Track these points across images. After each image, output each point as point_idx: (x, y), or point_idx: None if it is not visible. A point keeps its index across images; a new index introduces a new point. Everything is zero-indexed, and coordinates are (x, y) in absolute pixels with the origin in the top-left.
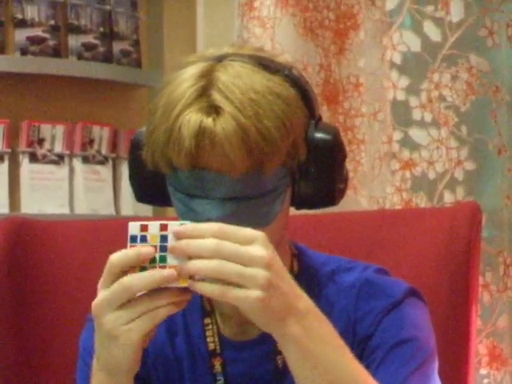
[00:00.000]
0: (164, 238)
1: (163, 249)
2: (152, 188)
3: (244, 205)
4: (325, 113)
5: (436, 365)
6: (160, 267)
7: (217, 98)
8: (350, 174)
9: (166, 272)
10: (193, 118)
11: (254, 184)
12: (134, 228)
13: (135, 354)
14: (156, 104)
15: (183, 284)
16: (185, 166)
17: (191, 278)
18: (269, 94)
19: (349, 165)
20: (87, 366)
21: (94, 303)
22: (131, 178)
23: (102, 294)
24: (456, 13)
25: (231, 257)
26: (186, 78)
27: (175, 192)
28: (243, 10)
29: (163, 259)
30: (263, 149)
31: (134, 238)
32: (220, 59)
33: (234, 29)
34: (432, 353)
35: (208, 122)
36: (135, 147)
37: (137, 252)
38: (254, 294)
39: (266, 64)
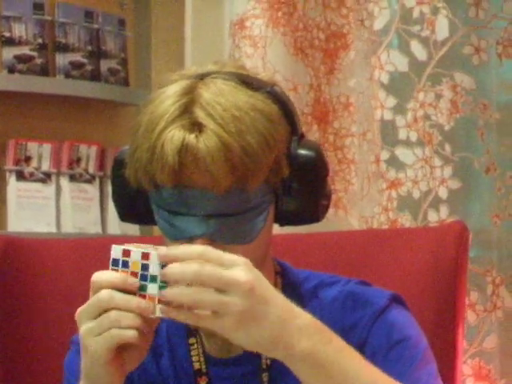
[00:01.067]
0: (145, 267)
1: (144, 278)
2: (136, 207)
3: (227, 222)
4: (315, 132)
5: (434, 359)
6: (140, 295)
7: (199, 114)
8: (341, 194)
9: (144, 303)
10: (176, 135)
11: (238, 201)
12: (116, 252)
13: (105, 369)
14: (138, 122)
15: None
16: (168, 182)
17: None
18: (251, 110)
19: (339, 185)
20: None
21: (77, 311)
22: (115, 197)
23: (84, 305)
24: (440, 31)
25: (211, 280)
26: (169, 96)
27: (158, 210)
28: (235, 29)
29: (143, 288)
30: (246, 165)
31: (115, 262)
32: (202, 77)
33: (223, 48)
34: (427, 347)
35: (191, 138)
36: (118, 166)
37: (124, 280)
38: (229, 321)
39: (248, 81)
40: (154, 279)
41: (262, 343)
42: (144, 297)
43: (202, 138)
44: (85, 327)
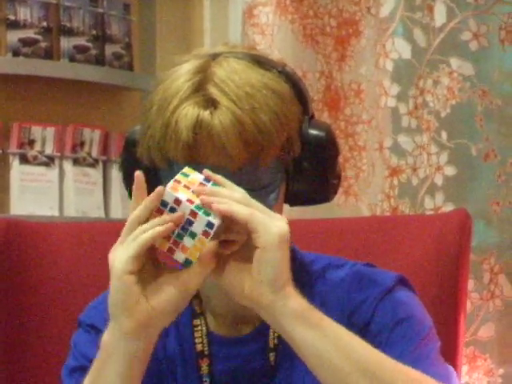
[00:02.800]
0: (190, 222)
1: (184, 229)
2: (146, 186)
3: None
4: (325, 119)
5: (437, 338)
6: (173, 242)
7: (213, 91)
8: (352, 181)
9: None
10: (190, 112)
11: (250, 178)
12: (168, 197)
13: (123, 286)
14: (151, 100)
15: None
16: (182, 158)
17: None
18: (264, 88)
19: (350, 171)
20: (75, 358)
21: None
22: (125, 176)
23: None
24: (439, 17)
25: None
26: (182, 74)
27: None
28: (244, 17)
29: (180, 236)
30: (259, 142)
31: (164, 204)
32: (214, 56)
33: (228, 37)
34: (431, 326)
35: (205, 115)
36: (129, 145)
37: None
38: (279, 223)
39: (260, 61)
40: (192, 235)
41: (282, 269)
42: (177, 244)
43: (216, 115)
44: (114, 253)
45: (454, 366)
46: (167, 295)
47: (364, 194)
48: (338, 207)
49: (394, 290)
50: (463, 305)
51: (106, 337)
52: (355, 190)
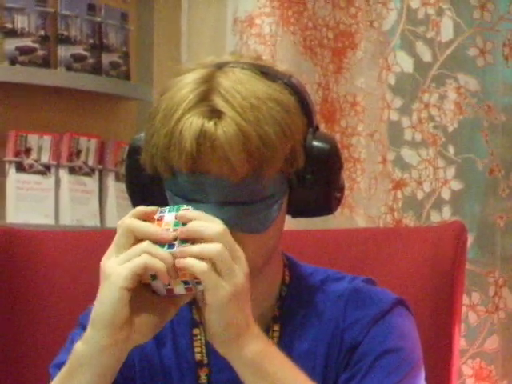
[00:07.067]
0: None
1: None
2: (149, 194)
3: (242, 210)
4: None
5: (422, 375)
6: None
7: (218, 102)
8: (346, 193)
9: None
10: (194, 122)
11: (253, 189)
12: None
13: (119, 300)
14: (156, 108)
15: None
16: (185, 168)
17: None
18: (269, 100)
19: (345, 183)
20: (68, 354)
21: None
22: (128, 184)
23: (112, 247)
24: (445, 33)
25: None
26: (187, 83)
27: (173, 197)
28: (242, 26)
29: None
30: (263, 154)
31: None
32: (220, 66)
33: (225, 44)
34: (417, 363)
35: (209, 125)
36: (133, 153)
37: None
38: (232, 280)
39: (266, 71)
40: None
41: (232, 323)
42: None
43: (220, 126)
44: (112, 260)
45: (449, 378)
46: (149, 318)
47: (359, 205)
48: (333, 218)
49: (390, 313)
50: (458, 317)
51: (80, 346)
52: (349, 202)
